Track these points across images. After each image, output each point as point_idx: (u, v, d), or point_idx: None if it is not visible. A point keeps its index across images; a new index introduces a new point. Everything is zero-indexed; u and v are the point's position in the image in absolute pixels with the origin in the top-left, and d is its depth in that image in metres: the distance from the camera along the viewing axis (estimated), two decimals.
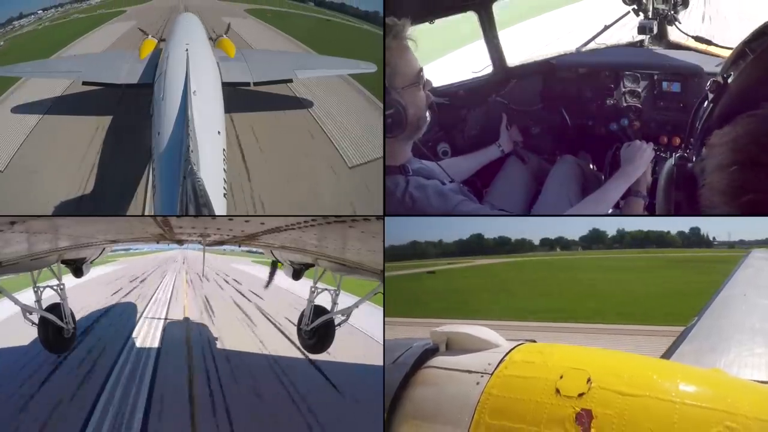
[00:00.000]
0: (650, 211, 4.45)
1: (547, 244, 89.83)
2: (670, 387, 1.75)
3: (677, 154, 2.26)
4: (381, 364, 2.54)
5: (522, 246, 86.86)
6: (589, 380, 1.84)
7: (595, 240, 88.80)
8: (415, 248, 70.36)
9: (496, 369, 2.08)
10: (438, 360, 2.30)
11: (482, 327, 2.33)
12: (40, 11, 16.44)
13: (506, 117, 5.80)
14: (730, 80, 1.85)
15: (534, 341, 2.27)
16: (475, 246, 79.33)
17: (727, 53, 5.22)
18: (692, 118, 2.33)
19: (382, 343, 6.44)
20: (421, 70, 3.69)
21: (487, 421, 1.97)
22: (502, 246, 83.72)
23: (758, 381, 2.00)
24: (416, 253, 66.05)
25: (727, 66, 1.90)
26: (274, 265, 10.99)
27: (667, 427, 1.68)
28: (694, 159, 2.08)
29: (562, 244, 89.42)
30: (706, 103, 2.10)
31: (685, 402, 1.70)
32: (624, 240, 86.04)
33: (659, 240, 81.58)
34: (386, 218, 4.02)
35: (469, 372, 2.13)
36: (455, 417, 2.04)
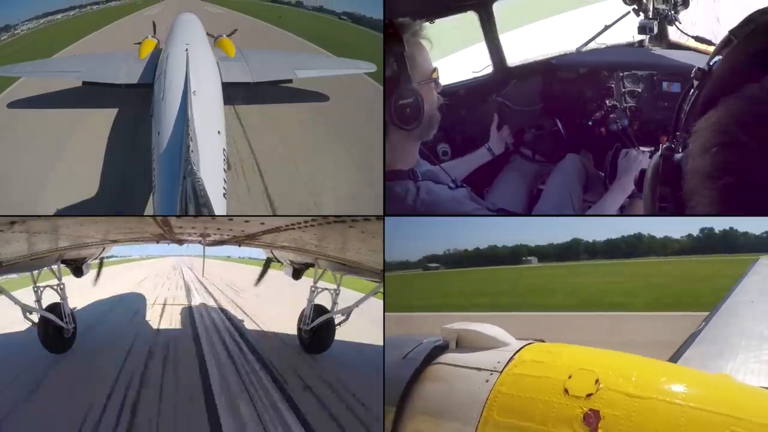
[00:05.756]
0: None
1: None
2: (677, 390, 1.76)
3: (663, 146, 2.26)
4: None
5: None
6: (597, 381, 1.85)
7: None
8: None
9: (505, 367, 2.09)
10: (448, 357, 2.31)
11: (492, 325, 2.34)
12: None
13: (498, 118, 5.74)
14: (714, 67, 1.87)
15: (543, 341, 2.28)
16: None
17: None
18: (678, 109, 2.34)
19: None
20: (435, 70, 3.73)
21: (496, 418, 1.98)
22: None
23: (765, 387, 2.01)
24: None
25: (713, 55, 1.93)
26: (267, 263, 10.99)
27: (674, 430, 1.68)
28: (680, 150, 2.09)
29: None
30: (691, 91, 2.12)
31: (692, 405, 1.71)
32: None
33: None
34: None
35: (479, 369, 2.14)
36: (464, 413, 2.05)
